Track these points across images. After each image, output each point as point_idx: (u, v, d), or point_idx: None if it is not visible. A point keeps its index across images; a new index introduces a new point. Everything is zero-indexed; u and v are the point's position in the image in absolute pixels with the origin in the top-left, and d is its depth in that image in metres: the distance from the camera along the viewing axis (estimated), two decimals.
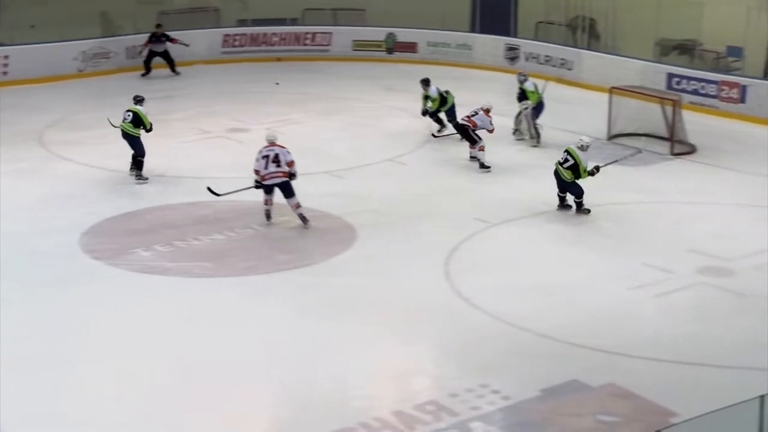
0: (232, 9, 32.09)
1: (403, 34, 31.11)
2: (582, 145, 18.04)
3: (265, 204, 18.12)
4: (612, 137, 22.46)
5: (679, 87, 25.15)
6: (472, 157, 21.05)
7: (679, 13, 27.06)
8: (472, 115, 21.08)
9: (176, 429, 11.77)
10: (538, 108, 22.77)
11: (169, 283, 15.48)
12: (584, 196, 18.08)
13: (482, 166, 20.77)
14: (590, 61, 27.68)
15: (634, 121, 22.58)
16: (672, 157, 21.41)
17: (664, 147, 21.77)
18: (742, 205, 18.65)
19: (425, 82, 23.30)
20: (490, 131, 20.98)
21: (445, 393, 12.19)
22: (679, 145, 21.76)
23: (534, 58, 28.97)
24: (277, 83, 28.78)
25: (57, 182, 19.91)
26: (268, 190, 17.95)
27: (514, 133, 22.87)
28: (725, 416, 9.80)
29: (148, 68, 29.07)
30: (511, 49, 29.64)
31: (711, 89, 24.95)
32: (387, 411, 11.88)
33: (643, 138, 22.35)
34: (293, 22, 32.16)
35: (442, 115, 23.17)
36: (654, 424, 11.31)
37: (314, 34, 31.51)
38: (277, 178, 17.74)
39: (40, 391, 12.30)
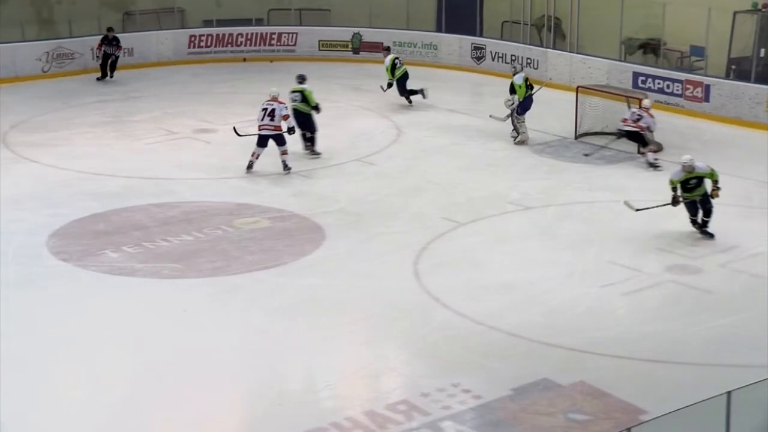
0: (197, 10, 31.98)
1: (369, 34, 31.12)
2: (684, 164, 17.07)
3: (252, 155, 20.42)
4: (579, 136, 22.55)
5: (645, 86, 25.32)
6: (651, 164, 20.86)
7: (643, 13, 27.23)
8: (637, 119, 21.07)
9: (146, 430, 11.73)
10: (525, 104, 22.54)
11: (139, 284, 15.42)
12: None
13: (652, 165, 20.78)
14: (556, 61, 27.81)
15: (601, 120, 22.70)
16: (639, 155, 21.51)
17: (630, 146, 21.87)
18: None
19: (387, 50, 25.57)
20: (652, 131, 21.20)
21: (416, 392, 12.21)
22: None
23: (500, 57, 29.04)
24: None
25: (22, 184, 19.78)
26: (261, 142, 20.36)
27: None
28: (694, 413, 9.88)
29: (104, 71, 28.73)
30: (477, 48, 29.70)
31: (676, 88, 25.12)
32: (358, 411, 11.88)
33: (611, 137, 22.46)
34: (258, 22, 32.11)
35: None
36: (624, 422, 11.37)
37: (280, 34, 31.47)
38: (268, 130, 20.32)
39: (6, 394, 12.20)
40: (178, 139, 22.98)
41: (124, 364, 13.17)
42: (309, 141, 21.65)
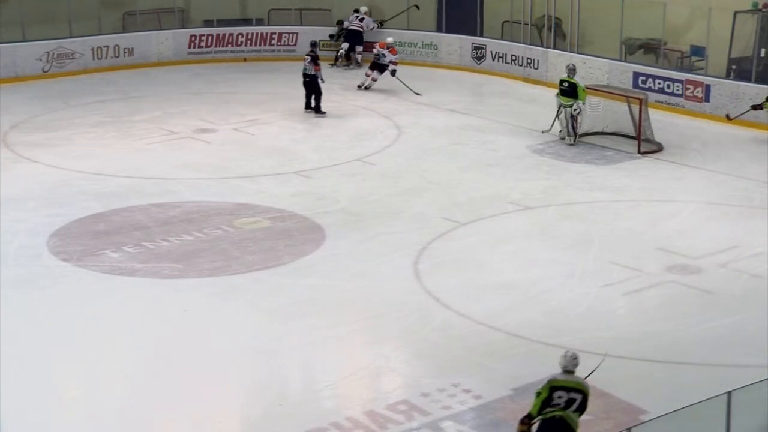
0: (198, 10, 31.98)
1: (370, 34, 31.05)
2: None
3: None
4: (579, 136, 22.51)
5: (645, 86, 25.31)
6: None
7: (643, 13, 27.20)
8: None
9: (146, 430, 11.74)
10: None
11: (139, 284, 15.42)
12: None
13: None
14: (556, 60, 27.77)
15: (601, 120, 22.70)
16: (639, 155, 21.53)
17: (631, 146, 21.89)
18: (709, 204, 18.80)
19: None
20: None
21: (417, 392, 12.22)
22: (645, 144, 21.87)
23: (500, 57, 29.04)
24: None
25: (23, 184, 19.75)
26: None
27: (563, 139, 22.44)
28: (694, 413, 9.89)
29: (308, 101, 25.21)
30: (477, 48, 29.67)
31: (676, 88, 25.11)
32: (359, 411, 11.89)
33: (611, 137, 22.48)
34: (259, 22, 32.09)
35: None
36: (624, 422, 11.39)
37: (280, 34, 31.44)
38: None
39: (6, 393, 12.20)
40: (179, 139, 22.95)
41: (125, 364, 13.19)
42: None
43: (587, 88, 22.69)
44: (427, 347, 13.48)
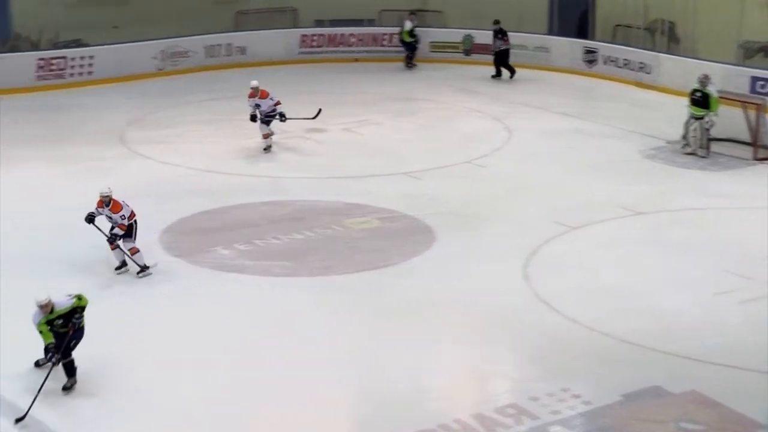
0: (309, 9, 32.22)
1: (481, 36, 30.96)
2: None
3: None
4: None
5: (764, 91, 24.67)
6: None
7: (763, 15, 26.63)
8: None
9: (252, 426, 11.80)
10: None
11: (249, 281, 15.53)
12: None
13: None
14: (669, 65, 27.36)
15: (715, 126, 22.27)
16: (754, 162, 21.11)
17: (746, 152, 21.47)
18: None
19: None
20: None
21: (526, 396, 12.12)
22: (762, 150, 21.43)
23: (612, 61, 28.72)
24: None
25: (137, 180, 20.03)
26: None
27: (683, 147, 21.89)
28: None
29: (507, 69, 29.33)
30: (589, 52, 29.40)
31: None
32: (467, 413, 11.83)
33: (725, 143, 22.05)
34: (370, 23, 32.21)
35: None
36: None
37: (391, 35, 31.51)
38: None
39: (115, 388, 12.40)
40: (289, 138, 23.07)
41: (231, 360, 13.12)
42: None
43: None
44: (537, 351, 13.35)
